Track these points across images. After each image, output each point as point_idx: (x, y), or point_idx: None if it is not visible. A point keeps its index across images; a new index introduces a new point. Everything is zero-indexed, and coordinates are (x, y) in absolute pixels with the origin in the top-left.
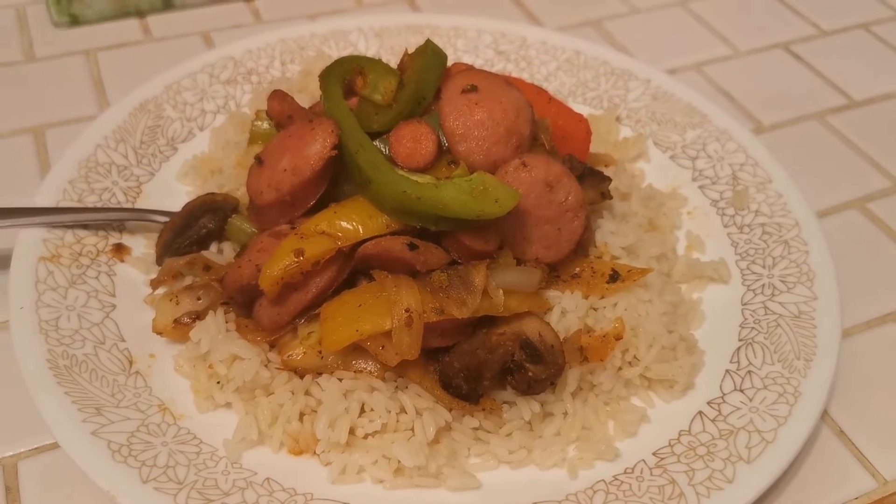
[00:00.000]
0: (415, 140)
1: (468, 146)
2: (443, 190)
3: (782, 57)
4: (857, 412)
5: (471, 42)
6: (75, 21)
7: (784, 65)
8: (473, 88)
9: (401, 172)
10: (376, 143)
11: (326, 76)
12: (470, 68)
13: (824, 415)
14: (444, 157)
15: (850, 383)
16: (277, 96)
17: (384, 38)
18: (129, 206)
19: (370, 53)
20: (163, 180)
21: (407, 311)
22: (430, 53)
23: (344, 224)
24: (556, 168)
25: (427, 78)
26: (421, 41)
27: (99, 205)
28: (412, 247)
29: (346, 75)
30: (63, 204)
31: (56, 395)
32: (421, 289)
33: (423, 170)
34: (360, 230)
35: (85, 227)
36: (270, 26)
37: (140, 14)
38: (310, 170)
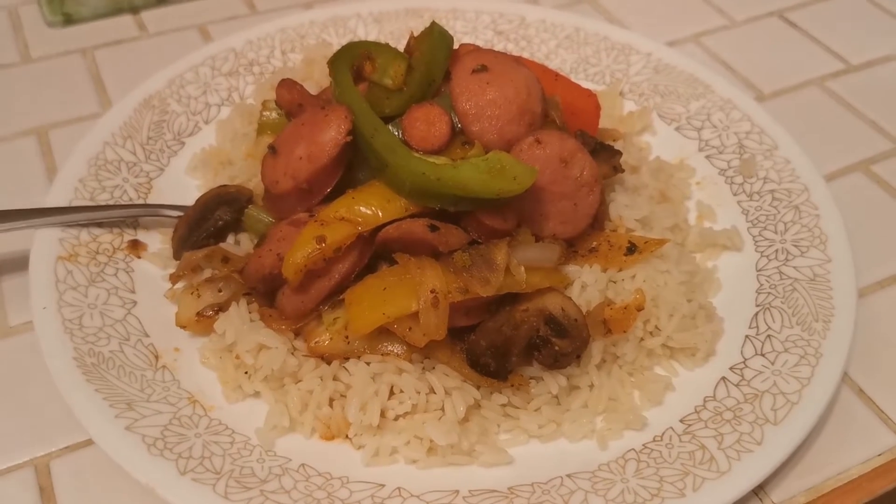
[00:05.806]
0: (428, 122)
1: (482, 126)
2: (461, 170)
3: (777, 24)
4: (875, 371)
5: (469, 23)
6: (69, 20)
7: (780, 32)
8: (483, 68)
9: (416, 155)
10: (389, 127)
11: (335, 62)
12: (478, 48)
13: (843, 375)
14: (458, 138)
15: (865, 343)
16: (286, 84)
17: (383, 23)
18: (140, 202)
19: (371, 39)
20: (172, 175)
21: (433, 291)
22: (436, 35)
23: (363, 209)
24: (570, 144)
25: (435, 60)
26: (420, 25)
27: (111, 202)
28: (433, 228)
29: (354, 61)
30: (75, 203)
31: (87, 392)
32: (444, 269)
33: (437, 152)
34: (380, 214)
35: (99, 224)
36: (266, 16)
37: (134, 10)
38: (326, 156)
